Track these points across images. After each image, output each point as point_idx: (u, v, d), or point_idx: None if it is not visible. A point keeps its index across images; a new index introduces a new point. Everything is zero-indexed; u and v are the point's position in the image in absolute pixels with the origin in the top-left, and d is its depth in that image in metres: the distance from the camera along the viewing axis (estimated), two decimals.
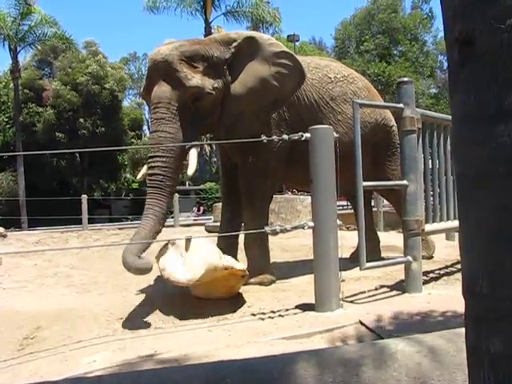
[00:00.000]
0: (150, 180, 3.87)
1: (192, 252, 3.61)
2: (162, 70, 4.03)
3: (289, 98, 4.55)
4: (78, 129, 26.87)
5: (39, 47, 25.53)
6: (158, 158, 3.89)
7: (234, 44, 4.32)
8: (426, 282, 4.25)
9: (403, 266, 3.99)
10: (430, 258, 5.54)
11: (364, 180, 3.72)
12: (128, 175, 37.72)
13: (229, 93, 4.30)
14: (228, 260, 3.74)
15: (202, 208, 27.99)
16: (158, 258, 3.71)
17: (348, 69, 5.52)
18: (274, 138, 3.81)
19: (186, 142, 4.00)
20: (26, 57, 27.97)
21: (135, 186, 36.65)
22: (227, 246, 4.78)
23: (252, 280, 4.52)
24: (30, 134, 26.13)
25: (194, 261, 3.54)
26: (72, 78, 27.08)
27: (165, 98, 3.98)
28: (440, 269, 5.02)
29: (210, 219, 12.74)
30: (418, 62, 34.45)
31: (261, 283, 4.51)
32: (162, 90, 4.01)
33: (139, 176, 4.30)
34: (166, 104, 3.99)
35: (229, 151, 4.87)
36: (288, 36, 29.46)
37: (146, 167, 4.11)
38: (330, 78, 5.06)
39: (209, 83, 4.13)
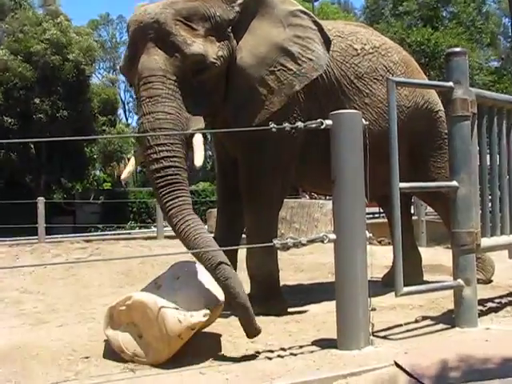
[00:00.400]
0: (158, 178, 3.69)
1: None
2: (152, 34, 3.94)
3: (320, 70, 4.50)
4: (33, 112, 26.89)
5: None
6: (162, 147, 3.72)
7: (240, 1, 4.31)
8: (482, 314, 4.24)
9: (452, 292, 3.99)
10: (488, 282, 5.54)
11: (400, 180, 3.72)
12: (98, 172, 37.80)
13: (235, 63, 4.30)
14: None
15: None
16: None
17: (381, 37, 5.54)
18: (286, 125, 3.78)
19: (188, 126, 3.92)
20: None
21: (107, 186, 36.80)
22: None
23: (256, 308, 4.52)
24: None
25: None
26: (24, 46, 27.10)
27: (158, 70, 3.88)
28: (501, 296, 5.02)
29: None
30: (475, 26, 34.41)
31: (268, 312, 4.52)
32: (154, 59, 3.91)
33: (125, 175, 4.25)
34: (161, 77, 3.88)
35: (226, 142, 4.88)
36: None
37: (132, 161, 4.07)
38: (356, 49, 5.08)
39: (212, 50, 4.09)
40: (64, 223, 23.84)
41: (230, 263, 3.59)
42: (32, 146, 28.42)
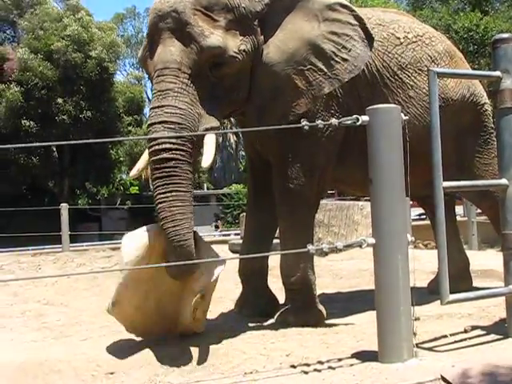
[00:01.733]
0: (155, 169, 3.75)
1: None
2: (169, 24, 3.95)
3: (354, 72, 4.42)
4: (55, 113, 27.26)
5: None
6: (164, 139, 3.78)
7: None
8: None
9: (504, 299, 3.94)
10: None
11: (445, 179, 3.69)
12: (124, 176, 38.10)
13: (261, 59, 4.27)
14: None
15: (219, 222, 28.21)
16: None
17: (423, 25, 5.51)
18: (319, 122, 3.77)
19: (201, 123, 3.95)
20: None
21: (134, 190, 37.12)
22: (251, 272, 4.83)
23: (292, 319, 4.54)
24: None
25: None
26: (44, 44, 27.50)
27: (173, 62, 3.91)
28: None
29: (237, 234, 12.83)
30: None
31: (304, 323, 4.52)
32: (169, 50, 3.94)
33: (134, 172, 4.22)
34: (174, 70, 3.91)
35: (257, 142, 4.89)
36: None
37: (144, 157, 4.09)
38: (399, 38, 5.04)
39: (233, 43, 4.06)
40: (89, 230, 24.12)
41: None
42: (54, 149, 28.77)
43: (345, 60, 4.36)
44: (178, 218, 3.69)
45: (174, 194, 3.70)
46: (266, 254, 4.72)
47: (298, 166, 4.57)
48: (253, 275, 4.92)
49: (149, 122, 3.92)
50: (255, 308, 5.01)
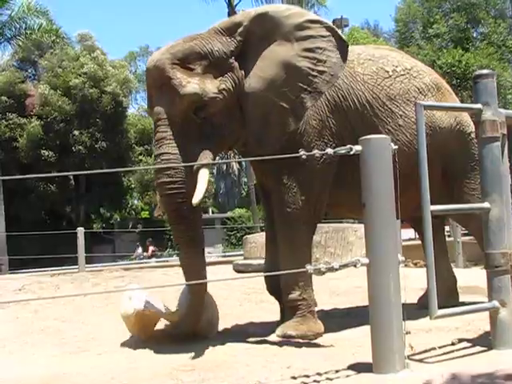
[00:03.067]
0: (166, 207, 4.31)
1: None
2: (156, 80, 4.27)
3: (332, 81, 4.50)
4: (72, 144, 27.39)
5: (21, 43, 25.11)
6: (165, 186, 4.18)
7: (240, 29, 4.39)
8: None
9: (488, 313, 3.93)
10: None
11: (434, 203, 3.70)
12: (136, 201, 38.12)
13: (244, 91, 4.37)
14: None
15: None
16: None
17: (412, 60, 5.55)
18: (316, 152, 3.81)
19: (195, 162, 4.19)
20: (3, 55, 28.66)
21: (145, 214, 37.08)
22: (276, 290, 4.87)
23: (292, 333, 4.53)
24: (10, 151, 26.74)
25: None
26: (63, 81, 27.70)
27: (163, 113, 4.22)
28: None
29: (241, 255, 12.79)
30: (506, 46, 34.15)
31: (303, 336, 4.52)
32: (160, 103, 4.24)
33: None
34: (165, 120, 4.21)
35: (258, 170, 4.92)
36: (334, 20, 29.65)
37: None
38: (388, 71, 5.08)
39: (212, 86, 4.24)
40: (103, 252, 24.08)
41: None
42: (71, 178, 28.86)
43: (322, 72, 4.42)
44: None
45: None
46: (271, 274, 4.72)
47: (295, 192, 4.59)
48: (276, 292, 4.96)
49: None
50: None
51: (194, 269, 4.32)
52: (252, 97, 4.38)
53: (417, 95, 5.09)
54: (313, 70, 4.40)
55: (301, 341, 4.45)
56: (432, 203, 3.65)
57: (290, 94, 4.38)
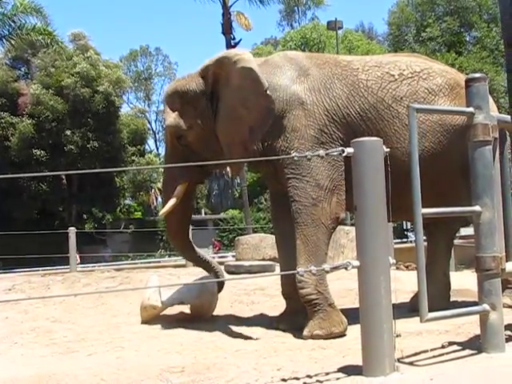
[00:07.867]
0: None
1: None
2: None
3: (266, 123, 4.94)
4: (64, 144, 27.37)
5: (13, 41, 24.41)
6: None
7: (210, 72, 5.09)
8: (510, 339, 4.17)
9: (478, 317, 3.94)
10: None
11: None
12: (128, 201, 38.05)
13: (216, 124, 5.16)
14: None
15: (216, 244, 28.09)
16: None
17: (428, 63, 5.57)
18: (307, 154, 3.90)
19: (174, 178, 5.26)
20: None
21: (137, 215, 37.04)
22: (292, 291, 5.06)
23: (319, 332, 4.69)
24: (1, 150, 26.67)
25: None
26: (55, 80, 27.70)
27: (165, 138, 5.44)
28: None
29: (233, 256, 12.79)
30: (499, 50, 34.19)
31: (329, 335, 4.69)
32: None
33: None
34: (166, 143, 5.60)
35: (272, 179, 5.45)
36: (328, 23, 29.72)
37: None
38: (393, 75, 5.19)
39: (185, 121, 5.16)
40: (95, 252, 24.04)
41: None
42: (63, 177, 28.81)
43: (253, 113, 4.98)
44: None
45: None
46: (276, 274, 4.77)
47: (305, 194, 4.88)
48: (292, 293, 5.11)
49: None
50: (293, 323, 5.08)
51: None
52: (219, 131, 5.12)
53: (426, 96, 5.16)
54: (248, 114, 4.99)
55: (291, 343, 4.45)
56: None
57: (236, 136, 5.05)
